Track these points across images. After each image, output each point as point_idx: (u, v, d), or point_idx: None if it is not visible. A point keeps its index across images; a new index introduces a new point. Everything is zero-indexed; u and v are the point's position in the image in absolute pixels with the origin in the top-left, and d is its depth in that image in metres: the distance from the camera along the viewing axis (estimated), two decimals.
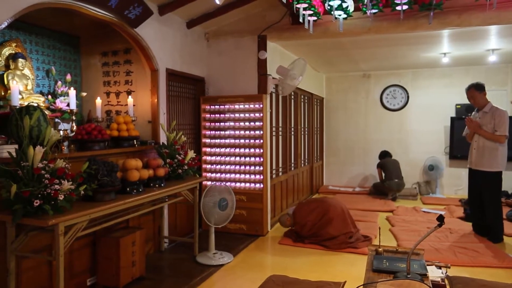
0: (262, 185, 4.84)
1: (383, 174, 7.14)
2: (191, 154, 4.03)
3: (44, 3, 2.90)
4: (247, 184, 4.90)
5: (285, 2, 3.33)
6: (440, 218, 2.02)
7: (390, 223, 5.40)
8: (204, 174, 5.05)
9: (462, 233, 4.70)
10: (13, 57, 3.70)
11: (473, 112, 4.69)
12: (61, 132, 3.36)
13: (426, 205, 6.55)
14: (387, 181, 6.97)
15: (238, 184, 4.92)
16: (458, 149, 7.19)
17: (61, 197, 2.39)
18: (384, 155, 7.42)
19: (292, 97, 6.27)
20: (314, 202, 4.67)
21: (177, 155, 3.91)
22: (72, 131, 3.53)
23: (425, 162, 7.56)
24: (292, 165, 6.32)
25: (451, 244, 4.31)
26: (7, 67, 3.72)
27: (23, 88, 3.71)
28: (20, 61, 3.71)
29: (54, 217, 2.34)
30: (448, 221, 5.18)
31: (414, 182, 7.73)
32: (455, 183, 7.52)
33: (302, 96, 6.85)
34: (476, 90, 4.48)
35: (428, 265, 2.31)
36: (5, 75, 3.63)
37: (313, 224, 4.45)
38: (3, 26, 2.66)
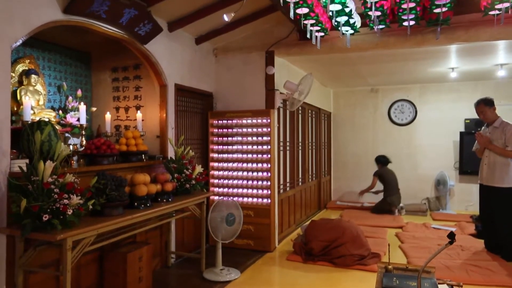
0: (269, 200, 4.82)
1: (383, 187, 7.09)
2: (198, 169, 4.04)
3: (57, 21, 2.97)
4: (255, 199, 4.88)
5: (292, 18, 3.36)
6: (451, 235, 1.98)
7: (400, 239, 5.31)
8: (211, 188, 5.05)
9: (474, 250, 4.60)
10: (26, 73, 3.78)
11: (483, 127, 4.65)
12: (71, 147, 3.40)
13: (436, 221, 6.44)
14: (389, 197, 6.91)
15: (245, 199, 4.90)
16: (468, 164, 7.11)
17: (69, 211, 2.41)
18: (384, 161, 7.24)
19: (300, 112, 6.28)
20: (329, 223, 4.60)
21: (185, 170, 3.92)
22: (81, 145, 3.57)
23: (435, 177, 7.47)
24: (300, 180, 6.29)
25: (463, 262, 4.21)
26: (20, 83, 3.79)
27: (35, 104, 3.78)
28: (33, 77, 3.78)
29: (62, 232, 2.34)
30: (460, 238, 5.08)
31: (424, 197, 7.63)
32: (465, 199, 7.40)
33: (310, 111, 6.87)
34: (485, 105, 4.45)
35: (439, 283, 2.26)
36: (18, 91, 3.71)
37: (326, 245, 4.35)
38: (18, 43, 2.73)
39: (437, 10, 3.57)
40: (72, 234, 2.40)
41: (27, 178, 2.40)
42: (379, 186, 7.22)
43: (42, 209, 2.33)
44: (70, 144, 3.53)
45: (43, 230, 2.36)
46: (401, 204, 7.04)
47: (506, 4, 3.27)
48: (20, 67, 3.81)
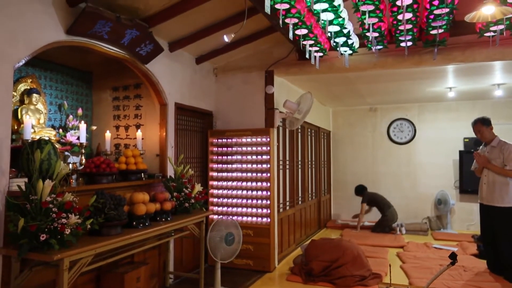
0: (269, 219, 4.78)
1: (376, 209, 7.15)
2: (198, 187, 4.03)
3: (60, 42, 3.02)
4: (254, 218, 4.84)
5: (292, 39, 3.42)
6: (453, 256, 1.97)
7: (401, 259, 5.24)
8: (210, 207, 5.02)
9: (477, 271, 4.54)
10: (28, 92, 3.81)
11: (481, 147, 4.66)
12: (70, 165, 3.40)
13: (437, 241, 6.37)
14: (386, 213, 6.89)
15: (245, 218, 4.86)
16: (468, 183, 7.08)
17: (67, 231, 2.38)
18: (362, 189, 7.32)
19: (299, 130, 6.31)
20: (330, 243, 4.55)
21: (184, 189, 3.90)
22: (81, 164, 3.57)
23: (435, 196, 7.43)
24: (300, 198, 6.25)
25: (465, 282, 4.15)
26: (21, 101, 3.82)
27: (35, 122, 3.79)
28: (35, 96, 3.81)
29: (59, 252, 2.32)
30: (461, 258, 5.02)
31: (424, 216, 7.57)
32: (466, 218, 7.35)
33: (309, 130, 6.89)
34: (482, 124, 4.47)
35: None
36: (19, 110, 3.73)
37: (326, 265, 4.29)
38: (21, 63, 2.76)
39: (434, 32, 3.64)
40: (69, 254, 2.37)
41: (25, 197, 2.39)
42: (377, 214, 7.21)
43: (40, 229, 2.31)
44: (70, 163, 3.53)
45: (40, 250, 2.33)
46: (400, 222, 7.00)
47: (501, 26, 3.34)
48: (22, 86, 3.84)
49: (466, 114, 7.22)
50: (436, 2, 3.07)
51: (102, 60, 4.28)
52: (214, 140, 5.10)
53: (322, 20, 3.23)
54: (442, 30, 3.62)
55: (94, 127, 4.54)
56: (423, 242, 6.12)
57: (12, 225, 2.33)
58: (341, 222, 7.76)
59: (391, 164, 7.93)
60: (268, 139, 4.82)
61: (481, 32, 3.61)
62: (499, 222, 4.30)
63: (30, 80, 3.93)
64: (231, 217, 4.70)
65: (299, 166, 6.32)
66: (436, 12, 3.23)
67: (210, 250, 3.87)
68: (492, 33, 3.57)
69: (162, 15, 3.62)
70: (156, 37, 3.85)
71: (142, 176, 3.90)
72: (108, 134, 4.03)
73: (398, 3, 3.06)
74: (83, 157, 3.65)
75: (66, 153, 3.82)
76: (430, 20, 3.42)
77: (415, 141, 7.81)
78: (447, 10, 3.18)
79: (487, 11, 2.58)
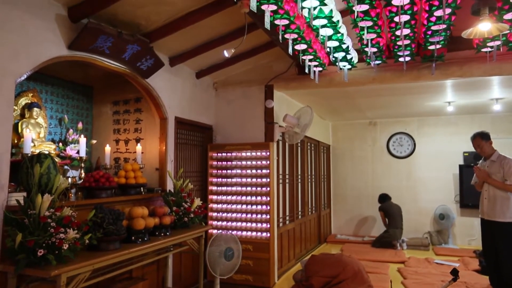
0: (269, 234, 4.74)
1: (387, 220, 7.03)
2: (197, 202, 4.01)
3: (62, 57, 3.05)
4: (254, 233, 4.80)
5: (291, 54, 3.46)
6: (455, 272, 1.95)
7: (402, 275, 5.18)
8: (210, 222, 4.98)
9: (479, 287, 4.48)
10: (29, 106, 3.83)
11: (480, 161, 4.65)
12: (70, 179, 3.39)
13: (439, 256, 6.31)
14: (392, 229, 6.83)
15: (244, 233, 4.82)
16: (468, 198, 7.05)
17: (65, 246, 2.36)
18: (384, 198, 7.29)
19: (299, 144, 6.31)
20: (330, 258, 4.51)
21: (183, 203, 3.88)
22: (80, 178, 3.56)
23: (435, 210, 7.39)
24: (300, 213, 6.22)
25: None
26: (22, 115, 3.83)
27: (35, 136, 3.80)
28: (35, 110, 3.83)
29: (57, 267, 2.29)
30: (463, 274, 4.96)
31: (424, 231, 7.52)
32: (468, 233, 7.29)
33: (309, 144, 6.90)
34: (482, 139, 4.46)
35: None
36: (19, 124, 3.74)
37: (327, 281, 4.23)
38: (23, 78, 2.78)
39: (432, 47, 3.68)
40: (67, 269, 2.34)
41: (24, 211, 2.37)
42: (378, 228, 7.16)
43: (38, 244, 2.28)
44: (69, 177, 3.52)
45: (37, 266, 2.30)
46: (402, 238, 6.94)
47: (498, 42, 3.38)
48: (23, 101, 3.86)
49: (466, 128, 7.24)
50: (433, 19, 3.11)
51: (103, 75, 4.32)
52: (213, 154, 5.10)
53: (321, 35, 3.27)
54: (440, 46, 3.66)
55: (94, 141, 4.54)
56: (425, 258, 6.06)
57: (10, 240, 2.30)
58: (342, 237, 7.69)
59: (391, 178, 7.91)
60: (268, 153, 4.82)
61: (478, 48, 3.65)
62: (501, 238, 4.26)
63: (31, 94, 3.95)
64: (230, 231, 4.66)
65: (299, 180, 6.30)
66: (434, 28, 3.27)
67: (209, 265, 3.83)
68: (489, 49, 3.61)
69: (163, 31, 3.67)
70: (157, 52, 3.89)
71: (142, 190, 3.88)
72: (108, 148, 4.03)
73: (396, 19, 3.10)
74: (82, 171, 3.64)
75: (66, 167, 3.81)
76: (428, 36, 3.46)
77: (415, 155, 7.81)
78: (444, 26, 3.22)
79: (484, 27, 2.62)
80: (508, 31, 3.09)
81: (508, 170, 4.22)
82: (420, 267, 5.50)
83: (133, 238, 3.11)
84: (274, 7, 2.76)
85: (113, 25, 3.28)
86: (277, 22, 3.00)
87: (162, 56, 4.14)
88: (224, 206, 4.98)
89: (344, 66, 4.09)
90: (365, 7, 2.89)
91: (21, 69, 2.73)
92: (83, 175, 3.58)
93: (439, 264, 5.68)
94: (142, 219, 3.19)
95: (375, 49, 3.72)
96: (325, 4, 2.78)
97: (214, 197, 5.04)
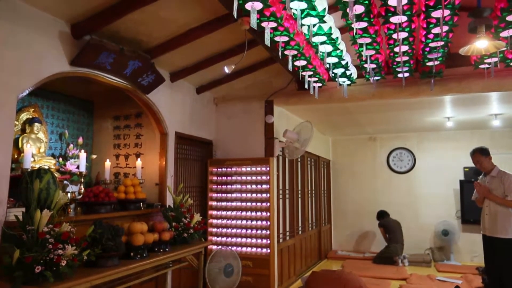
0: (269, 250, 4.69)
1: (387, 236, 6.98)
2: (197, 217, 3.98)
3: (64, 73, 3.08)
4: (254, 249, 4.76)
5: (291, 70, 3.49)
6: None
7: None
8: (210, 237, 4.94)
9: None
10: (30, 121, 3.84)
11: (481, 176, 4.64)
12: (69, 195, 3.38)
13: (441, 273, 6.23)
14: (393, 244, 6.77)
15: (244, 249, 4.78)
16: (470, 213, 7.00)
17: (63, 262, 2.34)
18: (383, 214, 7.26)
19: (299, 160, 6.31)
20: (331, 275, 4.47)
21: (183, 218, 3.86)
22: (79, 193, 3.55)
23: (437, 226, 7.33)
24: (300, 228, 6.17)
25: None
26: (22, 130, 3.84)
27: (35, 151, 3.80)
28: (36, 125, 3.84)
29: (54, 284, 2.26)
30: None
31: (426, 247, 7.44)
32: (470, 249, 7.21)
33: (309, 159, 6.89)
34: (481, 154, 4.45)
35: None
36: (20, 139, 3.74)
37: None
38: (25, 94, 2.81)
39: (430, 64, 3.72)
40: (64, 286, 2.30)
41: (22, 227, 2.36)
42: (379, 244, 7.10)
43: (35, 260, 2.26)
44: (68, 192, 3.51)
45: (34, 283, 2.27)
46: (404, 254, 6.87)
47: (495, 59, 3.41)
48: (24, 116, 3.88)
49: (465, 144, 7.22)
50: (431, 36, 3.16)
51: (104, 90, 4.34)
52: (213, 169, 5.09)
53: (321, 52, 3.31)
54: (438, 62, 3.70)
55: (94, 156, 4.54)
56: (427, 274, 5.99)
57: (7, 257, 2.28)
58: (342, 253, 7.62)
59: (391, 194, 7.87)
60: (268, 169, 4.82)
61: (476, 64, 3.69)
62: (504, 254, 4.21)
63: (33, 109, 3.97)
64: (230, 247, 4.62)
65: (299, 195, 6.27)
66: (432, 45, 3.32)
67: (208, 282, 3.78)
68: (487, 65, 3.65)
69: (164, 47, 3.71)
70: (158, 67, 3.93)
71: (141, 205, 3.87)
72: (108, 163, 4.03)
73: (395, 36, 3.14)
74: (82, 186, 3.64)
75: (65, 182, 3.80)
76: (426, 53, 3.50)
77: (415, 170, 7.79)
78: (442, 43, 3.27)
79: (481, 45, 2.65)
80: (505, 48, 3.13)
81: (508, 186, 4.21)
82: (422, 284, 5.43)
83: (132, 254, 3.08)
84: (274, 24, 2.80)
85: (116, 42, 3.33)
86: (277, 38, 3.04)
87: (163, 71, 4.18)
88: (224, 221, 4.94)
89: (344, 82, 4.12)
90: (363, 24, 2.93)
91: (24, 85, 2.75)
92: (82, 190, 3.57)
93: (441, 281, 5.60)
94: (141, 235, 3.17)
95: (374, 65, 3.76)
96: (324, 22, 2.83)
97: (214, 212, 5.01)
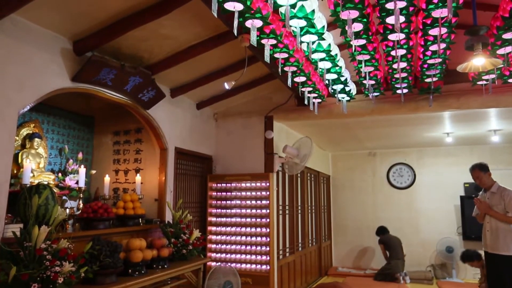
0: (268, 267, 4.64)
1: (387, 253, 6.91)
2: (196, 233, 3.94)
3: (65, 89, 3.10)
4: (253, 266, 4.70)
5: (290, 86, 3.52)
6: None
7: None
8: (209, 254, 4.89)
9: None
10: (30, 137, 3.85)
11: (481, 192, 4.62)
12: (67, 210, 3.36)
13: None
14: (394, 260, 6.69)
15: (243, 265, 4.72)
16: (471, 230, 6.94)
17: (60, 280, 2.30)
18: (383, 231, 7.20)
19: (299, 175, 6.29)
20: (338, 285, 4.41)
21: (182, 235, 3.82)
22: (78, 208, 3.53)
23: (438, 243, 7.25)
24: (300, 245, 6.11)
25: None
26: (22, 146, 3.85)
27: (35, 166, 3.80)
28: (36, 140, 3.84)
29: None
30: None
31: (427, 264, 7.35)
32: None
33: (309, 174, 6.88)
34: (480, 170, 4.44)
35: None
36: (20, 154, 3.74)
37: None
38: (26, 109, 2.82)
39: (428, 80, 3.75)
40: None
41: (19, 244, 2.33)
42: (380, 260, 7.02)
43: (32, 278, 2.23)
44: (67, 208, 3.49)
45: None
46: (405, 271, 6.78)
47: (492, 76, 3.45)
48: (24, 131, 3.89)
49: (465, 159, 7.22)
50: (429, 53, 3.19)
51: (105, 105, 4.36)
52: (213, 185, 5.08)
53: (320, 68, 3.35)
54: (436, 79, 3.73)
55: (93, 171, 4.53)
56: None
57: (3, 274, 2.25)
58: (343, 269, 7.52)
59: (391, 209, 7.83)
60: (268, 184, 4.80)
61: (473, 81, 3.73)
62: (506, 271, 4.16)
63: (33, 125, 3.98)
64: (229, 264, 4.57)
65: (299, 211, 6.23)
66: (430, 61, 3.35)
67: None
68: (484, 82, 3.68)
69: (165, 63, 3.75)
70: (159, 83, 3.96)
71: (140, 221, 3.84)
72: (107, 178, 4.02)
73: (393, 53, 3.18)
74: (81, 201, 3.62)
75: (64, 197, 3.78)
76: (424, 69, 3.54)
77: (415, 186, 7.77)
78: (440, 60, 3.30)
79: (478, 62, 2.67)
80: (502, 65, 3.16)
81: (509, 202, 4.18)
82: None
83: (130, 271, 3.03)
84: (273, 41, 2.84)
85: (117, 58, 3.36)
86: (276, 55, 3.08)
87: (163, 87, 4.21)
88: (223, 237, 4.90)
89: (343, 97, 4.15)
90: (362, 41, 2.97)
91: (25, 100, 2.77)
92: (81, 205, 3.55)
93: None
94: (140, 251, 3.13)
95: (373, 82, 3.79)
96: (323, 39, 2.86)
97: (213, 228, 4.97)
